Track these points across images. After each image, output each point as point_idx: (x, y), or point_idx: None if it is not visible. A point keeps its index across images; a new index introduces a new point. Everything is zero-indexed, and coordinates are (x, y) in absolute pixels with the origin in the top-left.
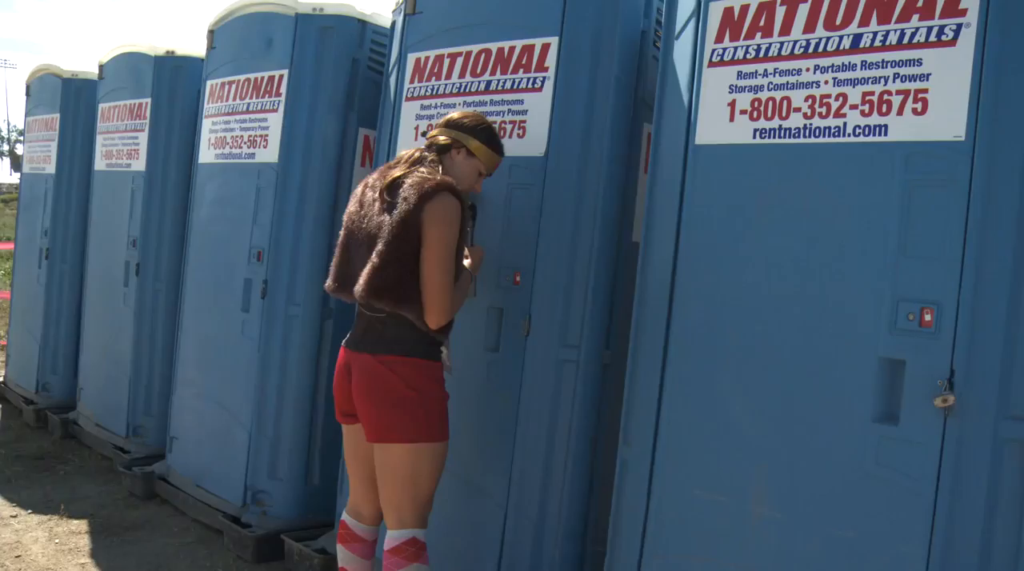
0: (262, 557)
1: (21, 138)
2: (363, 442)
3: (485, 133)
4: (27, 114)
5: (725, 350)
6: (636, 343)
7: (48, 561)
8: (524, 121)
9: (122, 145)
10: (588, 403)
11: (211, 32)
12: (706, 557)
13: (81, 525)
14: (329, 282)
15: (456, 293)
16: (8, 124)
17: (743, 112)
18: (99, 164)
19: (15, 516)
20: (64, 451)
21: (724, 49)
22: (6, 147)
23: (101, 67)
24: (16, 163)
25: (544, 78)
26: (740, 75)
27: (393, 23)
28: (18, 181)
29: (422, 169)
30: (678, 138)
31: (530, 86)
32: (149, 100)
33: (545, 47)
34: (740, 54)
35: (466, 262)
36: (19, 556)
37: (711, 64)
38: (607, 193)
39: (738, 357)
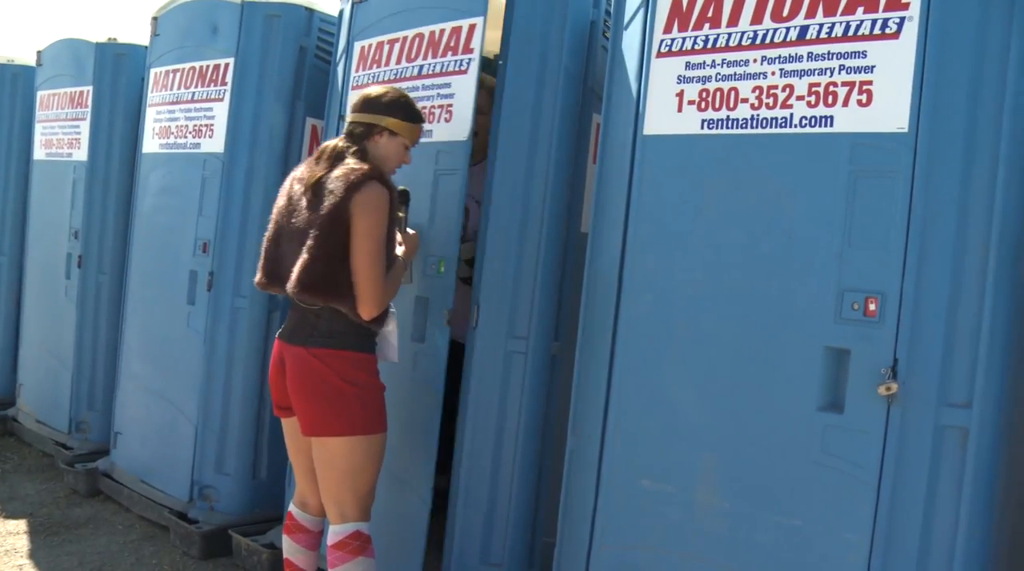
0: (210, 553)
1: None
2: (301, 435)
3: (400, 108)
4: None
5: (673, 340)
6: (584, 334)
7: None
8: (451, 105)
9: (63, 134)
10: (537, 394)
11: (155, 19)
12: (655, 547)
13: (20, 525)
14: (258, 277)
15: (388, 282)
16: None
17: (691, 103)
18: (38, 154)
19: None
20: (3, 449)
21: (672, 40)
22: None
23: (39, 54)
24: None
25: (470, 59)
26: (688, 66)
27: (341, 11)
28: None
29: (348, 161)
30: (627, 128)
31: (457, 68)
32: (91, 88)
33: (471, 27)
34: (688, 45)
35: (400, 249)
36: None
37: (659, 55)
38: (556, 183)
39: (685, 347)
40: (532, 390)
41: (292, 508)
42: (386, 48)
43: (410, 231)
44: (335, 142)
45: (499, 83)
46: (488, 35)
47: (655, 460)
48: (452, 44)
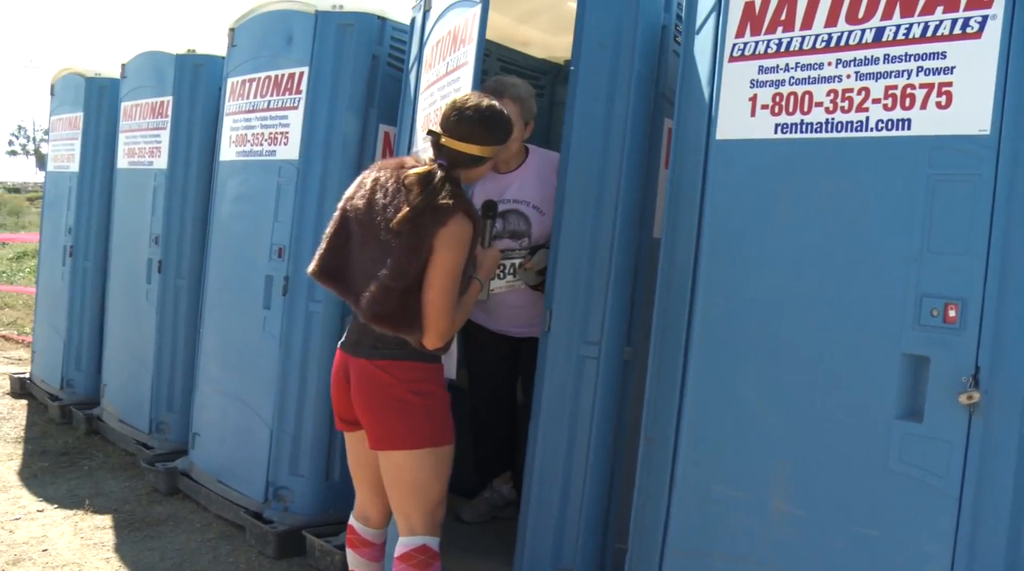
0: (284, 553)
1: (46, 137)
2: (365, 448)
3: (497, 131)
4: (51, 113)
5: (747, 346)
6: (657, 339)
7: (74, 555)
8: None
9: (144, 143)
10: (609, 399)
11: (232, 30)
12: (727, 554)
13: (105, 520)
14: (314, 266)
15: (459, 310)
16: (33, 124)
17: (764, 107)
18: (121, 162)
19: (41, 511)
20: (88, 447)
21: (745, 44)
22: (31, 146)
23: (123, 67)
24: (41, 162)
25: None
26: (761, 70)
27: (413, 20)
28: (43, 179)
29: (440, 192)
30: (699, 133)
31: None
32: (171, 98)
33: None
34: (761, 48)
35: (481, 272)
36: (46, 550)
37: (732, 59)
38: (628, 189)
39: (760, 353)
40: (604, 395)
41: (353, 521)
42: None
43: (493, 247)
44: (427, 165)
45: (571, 88)
46: (559, 41)
47: (728, 466)
48: None
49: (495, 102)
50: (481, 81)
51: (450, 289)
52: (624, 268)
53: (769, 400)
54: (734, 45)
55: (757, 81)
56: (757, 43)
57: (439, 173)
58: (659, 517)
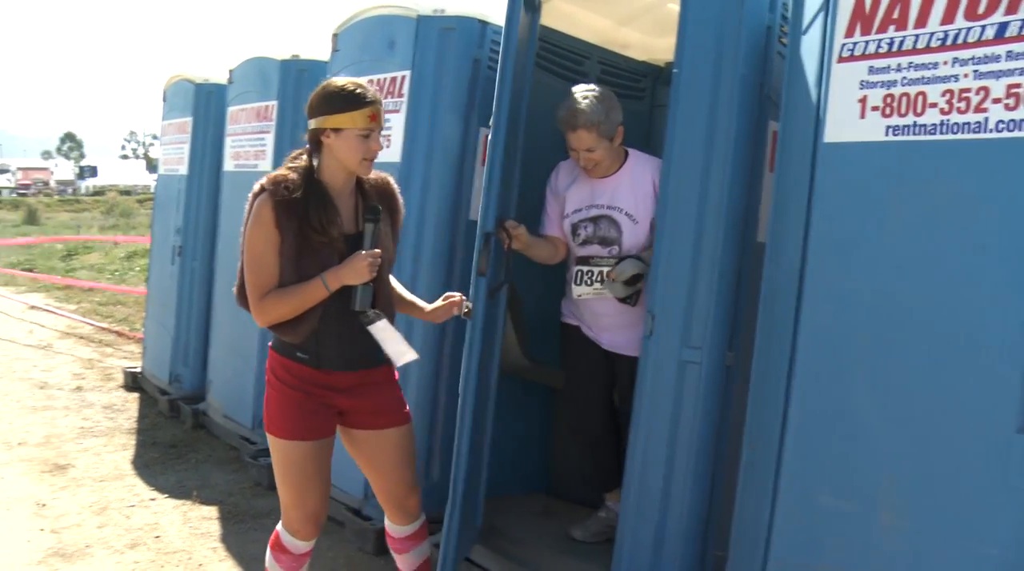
0: (383, 550)
1: (155, 141)
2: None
3: (335, 101)
4: (163, 118)
5: (856, 354)
6: (762, 345)
7: (183, 543)
8: None
9: (249, 146)
10: (711, 405)
11: (335, 36)
12: (832, 566)
13: (212, 511)
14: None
15: (284, 297)
16: (143, 129)
17: (875, 109)
18: (228, 165)
19: (153, 499)
20: (195, 440)
21: (855, 44)
22: (142, 150)
23: (230, 72)
24: (151, 165)
25: None
26: (872, 70)
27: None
28: (152, 182)
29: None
30: (806, 136)
31: None
32: (275, 102)
33: None
34: (872, 48)
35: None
36: (158, 537)
37: (841, 59)
38: (732, 192)
39: (869, 361)
40: (706, 400)
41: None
42: None
43: (368, 252)
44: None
45: (673, 91)
46: (660, 43)
47: (835, 476)
48: None
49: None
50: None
51: (252, 268)
52: (728, 272)
53: (879, 409)
54: (843, 45)
55: (867, 82)
56: (867, 43)
57: (299, 154)
58: (761, 526)
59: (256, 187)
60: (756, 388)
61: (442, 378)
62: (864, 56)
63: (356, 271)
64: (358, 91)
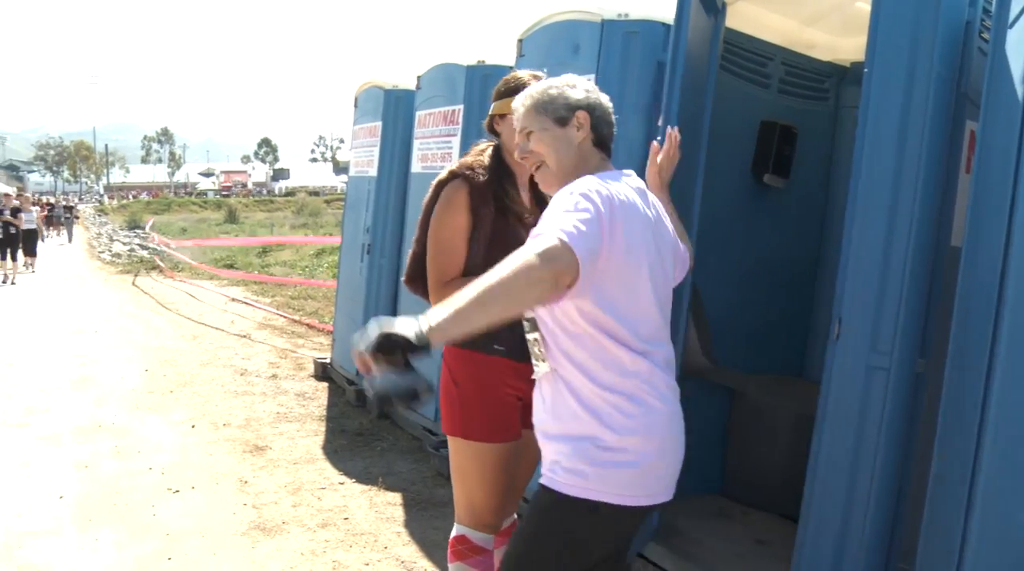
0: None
1: (341, 145)
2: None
3: (504, 88)
4: (354, 123)
5: None
6: (955, 353)
7: (370, 526)
8: None
9: (436, 149)
10: (899, 412)
11: (520, 41)
12: None
13: (396, 497)
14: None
15: (455, 287)
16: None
17: None
18: (415, 167)
19: (342, 483)
20: (380, 429)
21: None
22: (329, 154)
23: (419, 78)
24: (337, 167)
25: None
26: None
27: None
28: (338, 183)
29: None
30: (1009, 136)
31: None
32: (461, 106)
33: None
34: None
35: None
36: (347, 518)
37: None
38: (925, 194)
39: None
40: (894, 407)
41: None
42: None
43: None
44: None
45: (864, 91)
46: (847, 42)
47: None
48: None
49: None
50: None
51: (436, 253)
52: (919, 276)
53: None
54: None
55: None
56: None
57: (484, 148)
58: (952, 543)
59: (443, 174)
60: (949, 397)
61: None
62: None
63: None
64: (524, 80)
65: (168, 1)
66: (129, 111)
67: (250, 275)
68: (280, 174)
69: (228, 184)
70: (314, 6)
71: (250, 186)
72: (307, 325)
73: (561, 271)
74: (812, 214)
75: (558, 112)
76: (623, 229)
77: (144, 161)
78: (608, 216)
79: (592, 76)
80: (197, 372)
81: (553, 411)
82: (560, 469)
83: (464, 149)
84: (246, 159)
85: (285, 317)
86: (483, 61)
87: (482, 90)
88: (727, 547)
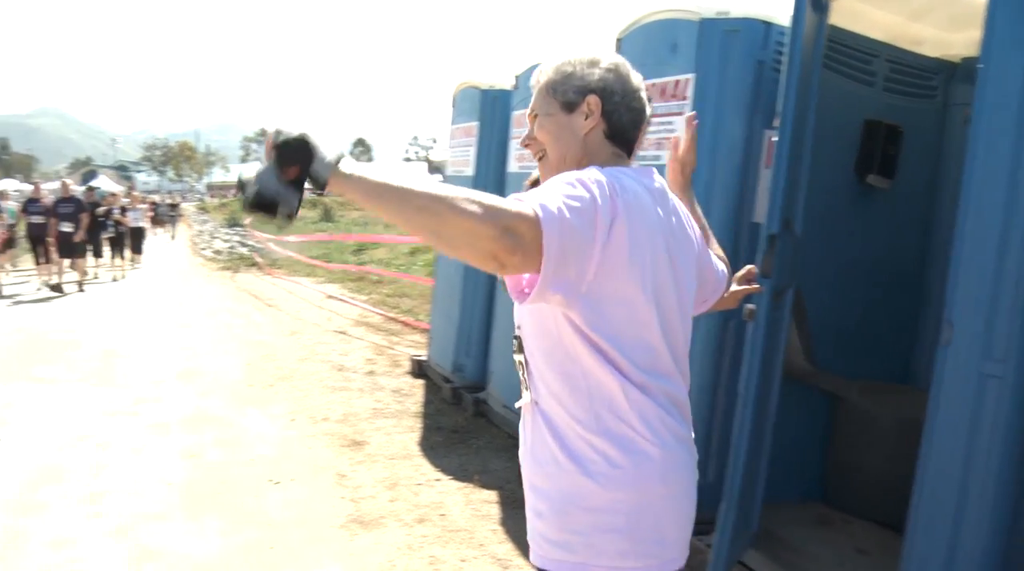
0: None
1: (434, 145)
2: None
3: None
4: (452, 122)
5: None
6: None
7: (465, 523)
8: None
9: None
10: (1015, 422)
11: (618, 40)
12: None
13: (491, 495)
14: None
15: None
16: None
17: None
18: (512, 166)
19: (438, 480)
20: (475, 427)
21: None
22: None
23: (516, 78)
24: (430, 167)
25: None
26: None
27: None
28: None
29: None
30: None
31: None
32: None
33: None
34: None
35: None
36: (443, 515)
37: None
38: None
39: None
40: (1009, 417)
41: None
42: None
43: None
44: None
45: (979, 88)
46: (956, 37)
47: None
48: None
49: None
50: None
51: None
52: None
53: None
54: None
55: None
56: None
57: None
58: None
59: (533, 175)
60: None
61: (721, 378)
62: None
63: None
64: None
65: (265, 6)
66: (229, 112)
67: (350, 266)
68: None
69: None
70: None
71: None
72: (403, 323)
73: (508, 248)
74: (917, 215)
75: (567, 95)
76: (626, 234)
77: (243, 160)
78: (607, 214)
79: (691, 76)
80: (296, 367)
81: (532, 453)
82: (545, 542)
83: None
84: None
85: (381, 314)
86: None
87: None
88: (827, 555)
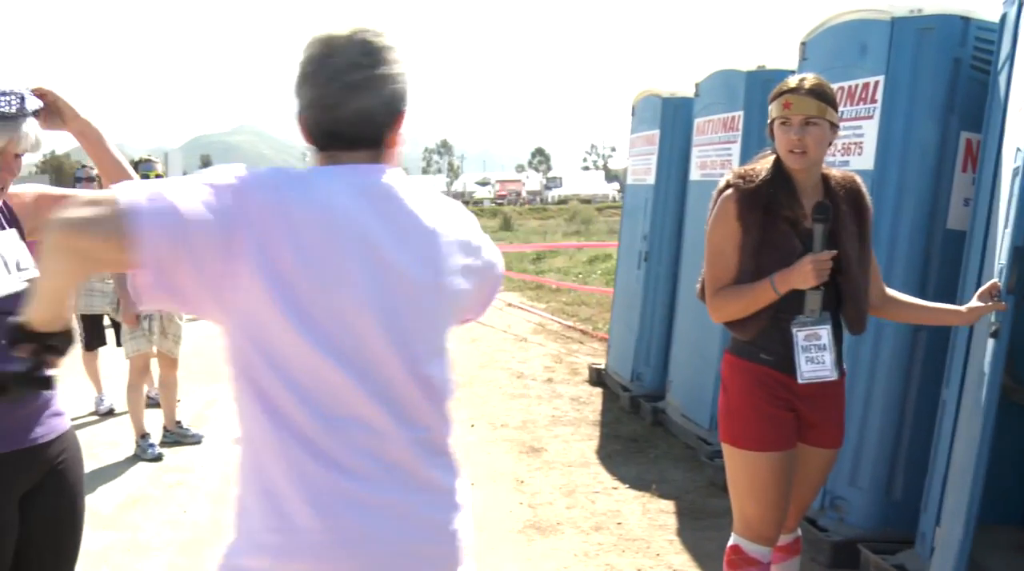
0: (836, 563)
1: (612, 153)
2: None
3: (774, 92)
4: (632, 131)
5: None
6: None
7: (642, 532)
8: None
9: (715, 156)
10: None
11: (803, 44)
12: None
13: (669, 505)
14: None
15: (733, 297)
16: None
17: None
18: (694, 174)
19: (615, 488)
20: (653, 436)
21: None
22: (601, 162)
23: (697, 86)
24: (608, 175)
25: None
26: None
27: (1004, 15)
28: (610, 191)
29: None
30: None
31: None
32: (741, 113)
33: None
34: None
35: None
36: (620, 523)
37: None
38: None
39: None
40: None
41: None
42: None
43: (815, 254)
44: None
45: None
46: None
47: None
48: None
49: None
50: None
51: (710, 261)
52: None
53: None
54: None
55: None
56: None
57: (766, 154)
58: None
59: (721, 183)
60: None
61: (910, 392)
62: None
63: (802, 275)
64: (790, 83)
65: (447, 23)
66: (411, 125)
67: (527, 276)
68: (553, 182)
69: (503, 193)
70: (589, 18)
71: (524, 194)
72: (581, 331)
73: (93, 237)
74: None
75: None
76: (286, 240)
77: (425, 171)
78: (233, 213)
79: (880, 78)
80: (476, 373)
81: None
82: None
83: (744, 156)
84: (520, 168)
85: (560, 323)
86: (763, 66)
87: (762, 96)
88: None
